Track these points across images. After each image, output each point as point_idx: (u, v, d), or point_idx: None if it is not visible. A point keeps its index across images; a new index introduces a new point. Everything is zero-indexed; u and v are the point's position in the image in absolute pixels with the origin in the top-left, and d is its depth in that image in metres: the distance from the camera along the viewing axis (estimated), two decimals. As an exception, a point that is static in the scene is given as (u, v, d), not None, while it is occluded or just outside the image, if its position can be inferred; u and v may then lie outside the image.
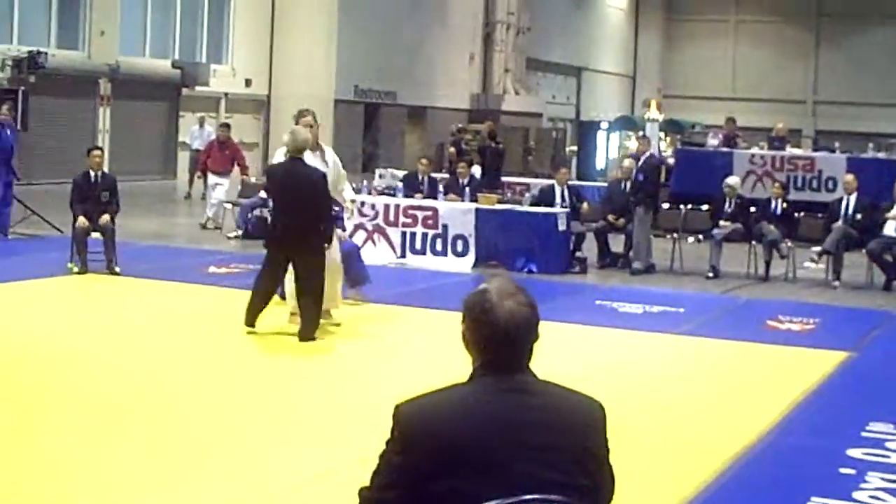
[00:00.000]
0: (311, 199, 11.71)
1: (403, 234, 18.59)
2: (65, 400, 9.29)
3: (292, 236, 11.68)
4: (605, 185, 22.85)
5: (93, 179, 16.38)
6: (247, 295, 12.07)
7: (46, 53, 30.05)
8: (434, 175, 22.06)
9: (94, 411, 8.97)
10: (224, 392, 9.86)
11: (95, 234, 15.96)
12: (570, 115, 57.21)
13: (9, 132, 20.12)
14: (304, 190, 11.72)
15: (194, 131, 31.67)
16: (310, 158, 12.09)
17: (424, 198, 19.71)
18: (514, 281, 3.73)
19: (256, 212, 20.21)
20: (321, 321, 12.01)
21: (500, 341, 3.58)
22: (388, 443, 3.57)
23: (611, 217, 19.07)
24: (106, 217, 16.04)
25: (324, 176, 11.99)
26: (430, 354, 11.11)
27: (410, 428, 3.51)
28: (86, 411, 8.96)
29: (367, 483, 3.62)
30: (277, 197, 12.20)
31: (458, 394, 3.59)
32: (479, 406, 3.53)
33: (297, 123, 12.40)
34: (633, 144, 22.87)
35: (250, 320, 11.92)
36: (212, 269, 16.58)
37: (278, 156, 12.35)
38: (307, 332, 11.66)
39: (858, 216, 18.13)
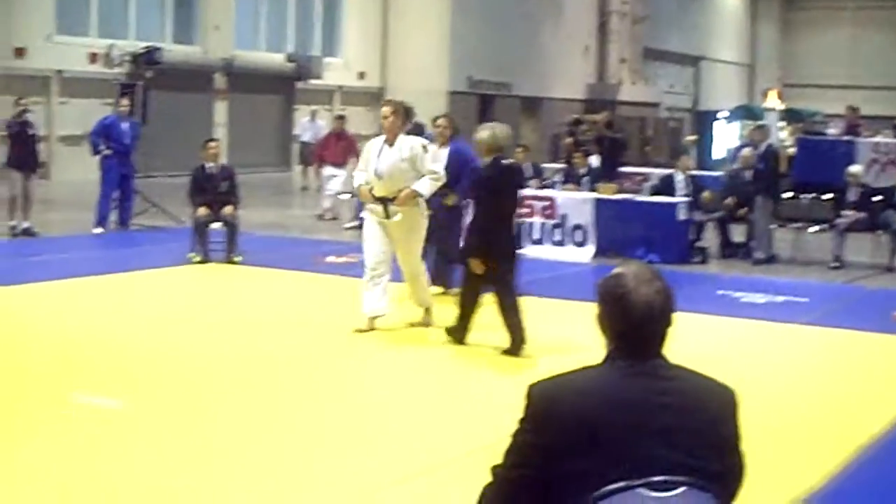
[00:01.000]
0: (517, 202, 11.28)
1: (520, 224, 18.43)
2: (178, 386, 9.38)
3: (499, 243, 10.87)
4: (725, 174, 22.53)
5: (210, 171, 16.53)
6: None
7: (162, 49, 30.45)
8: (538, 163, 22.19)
9: (206, 396, 9.06)
10: (340, 380, 9.86)
11: (215, 225, 16.13)
12: (688, 105, 56.67)
13: (126, 126, 20.35)
14: (514, 192, 11.21)
15: (304, 123, 31.92)
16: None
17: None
18: (651, 267, 3.70)
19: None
20: (429, 324, 11.94)
21: (634, 327, 3.57)
22: (520, 422, 3.56)
23: (730, 200, 18.75)
24: (229, 209, 16.23)
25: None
26: (553, 343, 11.01)
27: (541, 408, 3.52)
28: (198, 396, 9.05)
29: (497, 462, 3.63)
30: (492, 201, 10.91)
31: (590, 375, 3.59)
32: (610, 388, 3.53)
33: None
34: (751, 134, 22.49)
35: (461, 338, 11.15)
36: (330, 258, 16.63)
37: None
38: (516, 348, 10.86)
39: None
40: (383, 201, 11.56)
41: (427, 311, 12.10)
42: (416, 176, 11.51)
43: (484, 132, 11.10)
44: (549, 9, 45.96)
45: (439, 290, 13.95)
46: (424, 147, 11.80)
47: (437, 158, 12.05)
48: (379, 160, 11.57)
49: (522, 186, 11.71)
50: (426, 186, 11.58)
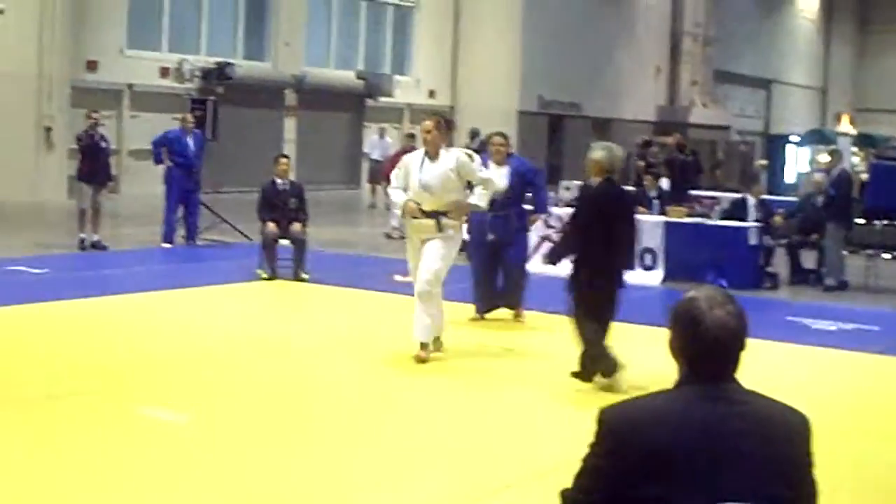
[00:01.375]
0: (628, 228, 10.71)
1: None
2: (242, 402, 9.37)
3: (607, 268, 10.47)
4: (796, 199, 22.32)
5: (280, 187, 16.58)
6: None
7: (234, 64, 30.67)
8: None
9: (270, 413, 9.06)
10: (401, 402, 9.81)
11: (284, 241, 16.16)
12: (759, 129, 56.32)
13: (191, 140, 20.42)
14: (629, 218, 10.79)
15: (374, 141, 32.02)
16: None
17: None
18: (723, 290, 3.67)
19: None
20: (439, 352, 11.50)
21: (707, 350, 3.53)
22: (591, 446, 3.54)
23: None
24: (297, 226, 16.28)
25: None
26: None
27: (614, 432, 3.49)
28: (261, 413, 9.04)
29: (566, 486, 3.59)
30: (600, 223, 10.37)
31: (663, 400, 3.56)
32: (683, 413, 3.48)
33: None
34: (823, 159, 22.26)
35: (588, 376, 10.51)
36: (397, 277, 16.55)
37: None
38: (586, 374, 10.48)
39: None
40: (435, 215, 11.28)
41: (436, 338, 11.55)
42: (462, 186, 11.33)
43: (599, 152, 10.49)
44: (621, 30, 45.89)
45: (511, 312, 13.88)
46: (470, 156, 11.60)
47: (481, 168, 11.79)
48: (422, 174, 11.31)
49: (631, 211, 11.11)
50: (483, 198, 11.41)
